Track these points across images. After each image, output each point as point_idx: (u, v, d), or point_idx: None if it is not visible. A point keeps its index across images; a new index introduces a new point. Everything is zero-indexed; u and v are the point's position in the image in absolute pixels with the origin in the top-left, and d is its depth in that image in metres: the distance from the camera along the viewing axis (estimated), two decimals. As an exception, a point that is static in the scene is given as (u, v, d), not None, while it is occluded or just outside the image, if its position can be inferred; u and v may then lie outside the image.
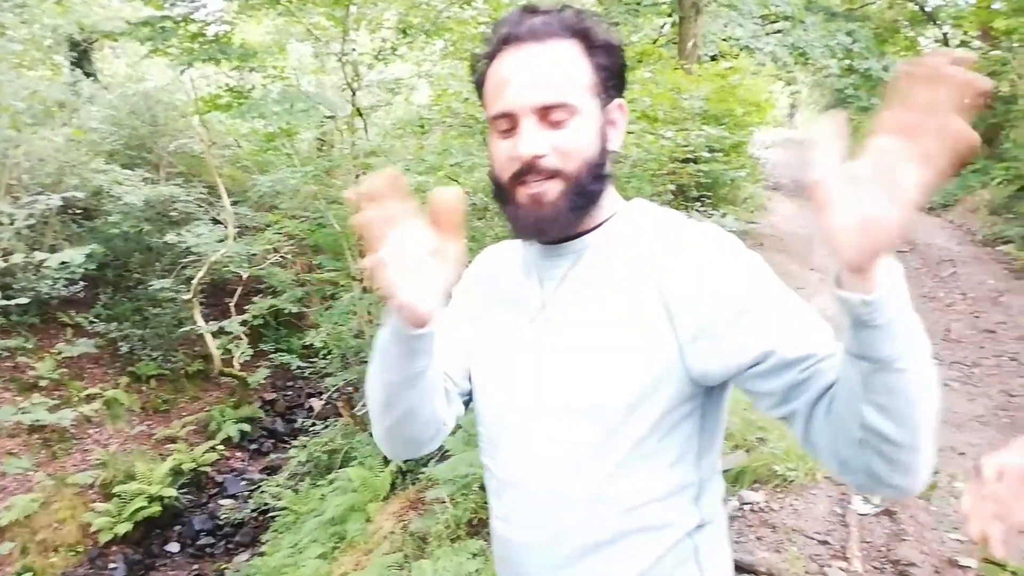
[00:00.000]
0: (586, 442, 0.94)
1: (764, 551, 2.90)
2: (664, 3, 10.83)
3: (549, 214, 0.93)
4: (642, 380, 0.91)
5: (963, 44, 12.69)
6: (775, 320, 0.86)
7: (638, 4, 10.05)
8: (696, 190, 7.77)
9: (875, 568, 2.81)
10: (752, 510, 3.21)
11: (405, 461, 4.51)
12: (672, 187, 7.03)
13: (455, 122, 5.73)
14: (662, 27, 10.64)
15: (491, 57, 0.96)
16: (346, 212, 6.34)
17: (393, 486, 4.77)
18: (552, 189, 0.92)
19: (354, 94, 6.39)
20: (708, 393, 0.94)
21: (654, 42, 8.34)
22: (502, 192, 0.97)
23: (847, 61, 11.84)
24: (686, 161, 6.76)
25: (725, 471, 2.91)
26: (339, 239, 6.40)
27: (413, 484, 4.62)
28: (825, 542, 2.96)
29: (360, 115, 6.65)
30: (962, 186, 11.20)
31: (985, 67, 11.98)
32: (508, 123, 0.93)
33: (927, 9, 13.63)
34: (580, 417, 0.94)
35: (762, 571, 2.73)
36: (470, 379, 1.09)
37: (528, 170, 0.92)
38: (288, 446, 7.29)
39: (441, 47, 8.19)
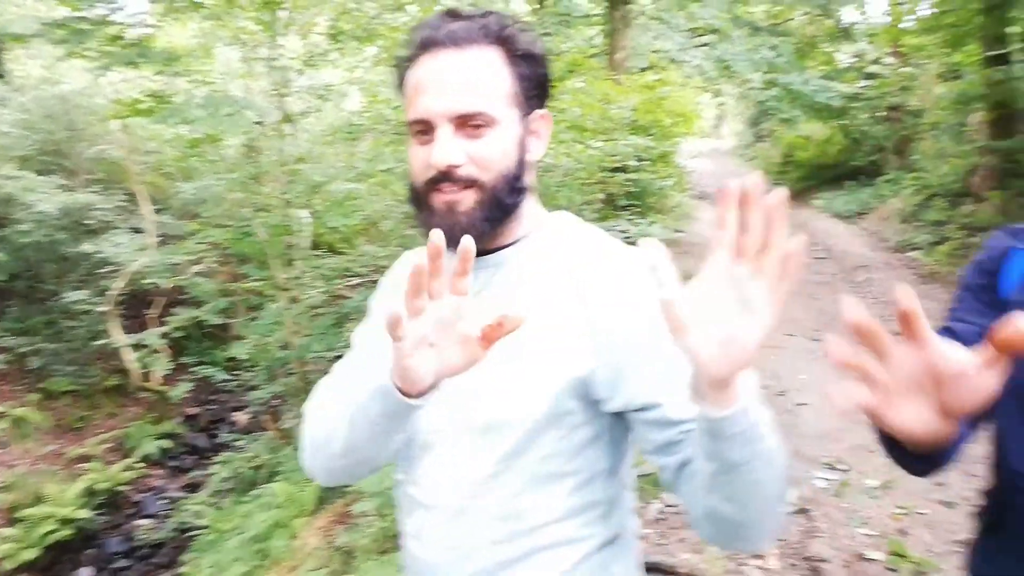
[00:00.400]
0: (495, 460, 0.93)
1: (686, 552, 2.95)
2: (596, 14, 11.03)
3: (462, 223, 0.91)
4: (552, 399, 0.90)
5: (875, 61, 13.31)
6: (669, 374, 0.85)
7: (569, 14, 10.20)
8: (625, 199, 7.90)
9: (791, 565, 2.90)
10: (675, 512, 3.26)
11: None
12: (601, 196, 7.13)
13: (387, 129, 5.68)
14: (593, 38, 10.80)
15: (410, 61, 0.94)
16: (273, 220, 6.19)
17: (320, 500, 4.67)
18: (467, 199, 0.91)
19: (282, 99, 6.26)
20: (619, 415, 0.93)
21: (589, 55, 8.45)
22: (417, 197, 0.96)
23: (770, 75, 12.27)
24: (615, 170, 6.87)
25: (647, 475, 2.95)
26: (265, 248, 6.24)
27: (341, 498, 4.53)
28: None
29: (289, 121, 6.52)
30: (876, 195, 11.74)
31: (896, 82, 12.61)
32: (424, 130, 0.92)
33: (843, 26, 14.25)
34: (490, 435, 0.93)
35: (683, 572, 2.78)
36: None
37: (443, 178, 0.90)
38: (211, 462, 7.04)
39: (373, 53, 8.12)
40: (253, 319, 6.71)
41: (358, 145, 6.98)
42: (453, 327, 0.77)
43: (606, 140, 5.80)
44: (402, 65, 0.96)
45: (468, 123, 0.90)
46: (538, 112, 0.98)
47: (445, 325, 0.77)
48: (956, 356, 0.59)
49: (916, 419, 0.63)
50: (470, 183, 0.91)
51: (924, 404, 0.63)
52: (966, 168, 9.61)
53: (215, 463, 6.64)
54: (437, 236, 0.74)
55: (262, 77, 8.91)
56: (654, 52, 10.80)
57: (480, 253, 0.94)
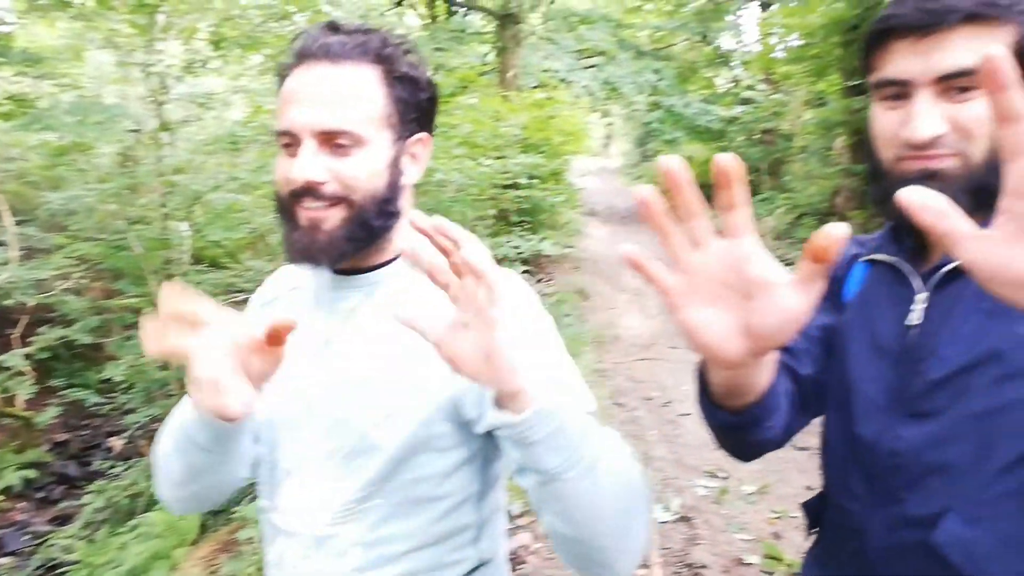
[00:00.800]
0: (361, 486, 0.91)
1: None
2: (487, 32, 11.19)
3: (323, 242, 0.89)
4: (421, 424, 0.89)
5: (750, 87, 14.15)
6: None
7: (463, 31, 10.31)
8: (517, 215, 8.03)
9: (674, 573, 3.01)
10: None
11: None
12: (493, 212, 7.22)
13: (272, 139, 5.54)
14: (486, 55, 10.95)
15: (287, 71, 0.93)
16: (151, 233, 5.89)
17: (203, 528, 4.46)
18: (332, 217, 0.89)
19: (160, 107, 5.98)
20: (489, 435, 0.92)
21: (480, 72, 8.56)
22: (283, 209, 0.94)
23: (654, 97, 12.83)
24: (507, 187, 6.98)
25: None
26: (141, 262, 5.92)
27: (225, 525, 4.34)
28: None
29: (167, 129, 6.23)
30: (751, 214, 12.42)
31: (769, 107, 13.45)
32: (288, 142, 0.90)
33: (721, 52, 15.10)
34: (356, 460, 0.91)
35: (572, 583, 2.84)
36: None
37: (306, 192, 0.88)
38: (83, 492, 6.56)
39: (259, 62, 7.89)
40: (129, 338, 6.35)
41: (241, 156, 6.76)
42: (238, 346, 0.77)
43: (497, 157, 5.89)
44: (280, 74, 0.95)
45: (333, 140, 0.88)
46: (417, 136, 0.96)
47: (233, 347, 0.76)
48: (768, 263, 0.58)
49: (715, 325, 0.61)
50: (336, 201, 0.89)
51: (726, 313, 0.61)
52: (831, 189, 10.36)
53: (87, 493, 6.20)
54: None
55: (138, 83, 8.50)
56: (544, 72, 11.05)
57: (354, 272, 0.96)
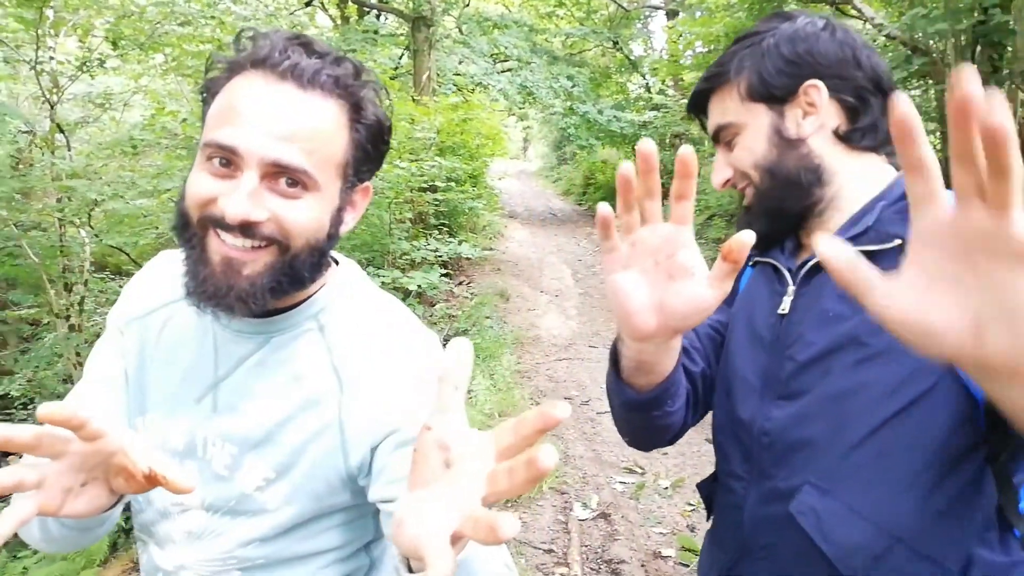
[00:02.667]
0: (245, 541, 0.85)
1: (498, 563, 3.04)
2: (401, 35, 11.11)
3: (242, 289, 0.77)
4: (308, 499, 0.84)
5: (661, 92, 14.58)
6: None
7: (376, 33, 10.20)
8: (435, 218, 8.02)
9: (592, 570, 3.07)
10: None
11: (126, 519, 4.04)
12: (411, 215, 7.18)
13: (173, 143, 5.34)
14: (400, 57, 10.88)
15: (231, 70, 0.79)
16: (46, 240, 5.57)
17: (115, 547, 4.25)
18: (258, 260, 0.77)
19: (52, 108, 5.67)
20: None
21: (392, 75, 8.49)
22: (187, 233, 0.79)
23: (568, 102, 13.05)
24: (424, 190, 6.96)
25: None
26: (38, 271, 5.60)
27: (136, 544, 4.17)
28: (550, 550, 3.18)
29: (61, 131, 5.92)
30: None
31: (679, 112, 13.90)
32: (225, 160, 0.75)
33: (632, 59, 15.50)
34: (241, 518, 0.85)
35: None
36: None
37: (229, 226, 0.75)
38: (-26, 517, 6.15)
39: (160, 62, 7.60)
40: (25, 351, 5.99)
41: (141, 160, 6.48)
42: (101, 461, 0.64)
43: (412, 160, 5.87)
44: (216, 67, 0.80)
45: (282, 176, 0.76)
46: (362, 185, 0.87)
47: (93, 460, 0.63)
48: (695, 254, 0.68)
49: (638, 293, 0.71)
50: (267, 243, 0.77)
51: (649, 287, 0.70)
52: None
53: (-21, 518, 5.81)
54: None
55: (29, 81, 8.03)
56: (458, 75, 11.08)
57: (259, 315, 0.84)
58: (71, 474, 0.63)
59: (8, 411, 6.19)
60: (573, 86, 13.01)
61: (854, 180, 0.94)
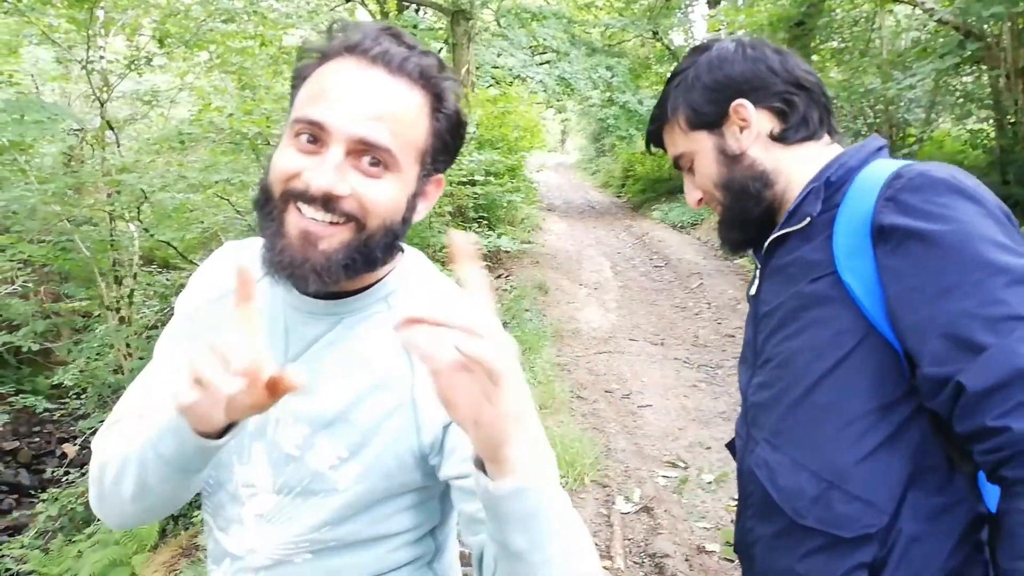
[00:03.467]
0: (315, 525, 0.86)
1: None
2: (440, 28, 11.15)
3: (318, 263, 0.78)
4: (382, 477, 0.85)
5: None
6: None
7: (415, 27, 10.25)
8: (475, 211, 8.04)
9: (635, 563, 3.05)
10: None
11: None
12: (450, 208, 7.21)
13: (221, 138, 5.43)
14: (439, 51, 10.91)
15: (324, 56, 0.82)
16: (97, 234, 5.74)
17: (164, 533, 4.37)
18: (336, 236, 0.79)
19: (102, 105, 5.82)
20: None
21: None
22: (268, 207, 0.81)
23: (608, 93, 12.95)
24: (463, 184, 6.98)
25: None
26: (90, 264, 5.77)
27: (186, 529, 4.27)
28: (593, 544, 3.17)
29: (111, 128, 6.08)
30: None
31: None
32: (313, 136, 0.78)
33: (672, 48, 15.31)
34: (313, 499, 0.86)
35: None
36: None
37: (310, 199, 0.77)
38: (36, 500, 6.38)
39: (205, 59, 7.74)
40: (78, 342, 6.18)
41: (189, 155, 6.62)
42: (228, 363, 0.65)
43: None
44: (309, 54, 0.84)
45: (367, 155, 0.78)
46: (436, 176, 0.89)
47: (220, 361, 0.65)
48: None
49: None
50: (347, 220, 0.79)
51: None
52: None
53: (41, 501, 6.02)
54: (245, 271, 0.67)
55: (80, 80, 8.25)
56: (497, 68, 11.07)
57: (321, 295, 0.86)
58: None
59: (63, 400, 6.40)
60: (612, 77, 12.91)
61: (797, 173, 1.05)
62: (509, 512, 0.65)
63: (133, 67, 6.53)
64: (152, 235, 5.78)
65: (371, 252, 0.82)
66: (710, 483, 3.71)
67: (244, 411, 0.69)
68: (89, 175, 6.18)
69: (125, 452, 0.82)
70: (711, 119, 1.07)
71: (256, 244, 0.89)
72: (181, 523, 4.42)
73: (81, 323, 6.66)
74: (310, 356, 0.87)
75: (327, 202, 0.77)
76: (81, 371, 5.74)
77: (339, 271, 0.80)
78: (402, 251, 0.93)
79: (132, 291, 5.89)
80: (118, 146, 6.31)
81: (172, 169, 5.91)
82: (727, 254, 1.07)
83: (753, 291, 1.13)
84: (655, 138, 1.19)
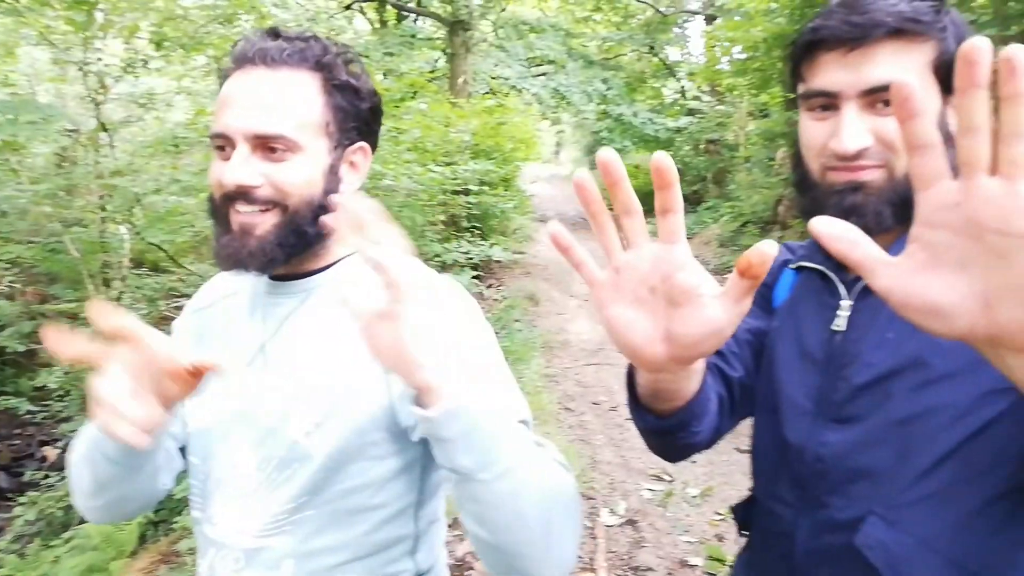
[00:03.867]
0: (293, 496, 0.89)
1: None
2: (438, 38, 11.19)
3: (254, 247, 0.88)
4: (352, 433, 0.88)
5: (696, 98, 14.46)
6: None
7: (413, 36, 10.29)
8: (467, 221, 8.05)
9: (618, 576, 3.03)
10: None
11: (156, 512, 4.10)
12: (443, 217, 7.21)
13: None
14: (436, 61, 10.95)
15: (225, 76, 0.92)
16: (87, 236, 5.71)
17: (143, 539, 4.32)
18: (264, 222, 0.89)
19: (98, 107, 5.81)
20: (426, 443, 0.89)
21: (430, 77, 8.55)
22: (216, 213, 0.92)
23: (602, 106, 13.02)
24: (457, 193, 6.99)
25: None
26: (78, 266, 5.74)
27: (166, 535, 4.23)
28: (577, 556, 3.15)
29: (105, 130, 6.06)
30: (698, 222, 12.72)
31: (714, 118, 13.77)
32: (222, 145, 0.89)
33: (668, 63, 15.41)
34: (287, 470, 0.89)
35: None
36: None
37: (238, 196, 0.88)
38: (13, 504, 6.30)
39: (202, 63, 7.74)
40: (63, 344, 6.13)
41: (183, 158, 6.61)
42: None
43: (447, 163, 5.90)
44: (220, 78, 0.94)
45: (266, 144, 0.87)
46: (357, 144, 0.96)
47: (147, 368, 0.73)
48: (698, 273, 0.58)
49: (639, 326, 0.60)
50: (270, 205, 0.88)
51: (650, 317, 0.60)
52: (774, 198, 10.64)
53: (19, 504, 5.95)
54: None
55: (76, 81, 8.23)
56: (494, 79, 11.11)
57: (290, 277, 0.96)
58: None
59: (46, 402, 6.35)
60: (608, 89, 12.97)
61: None
62: (447, 435, 0.68)
63: (130, 70, 6.52)
64: (143, 237, 5.76)
65: (300, 228, 0.90)
66: (695, 497, 3.71)
67: (176, 398, 0.76)
68: (82, 177, 6.16)
69: (80, 451, 0.90)
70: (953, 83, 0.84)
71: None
72: (161, 529, 4.38)
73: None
74: (283, 332, 0.95)
75: (245, 195, 0.87)
76: (66, 373, 5.70)
77: (275, 250, 0.89)
78: None
79: (121, 294, 5.85)
80: (112, 148, 6.29)
81: (166, 172, 5.89)
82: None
83: (841, 326, 0.91)
84: (857, 36, 0.84)
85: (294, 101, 0.88)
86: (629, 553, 3.20)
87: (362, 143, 0.97)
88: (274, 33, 0.91)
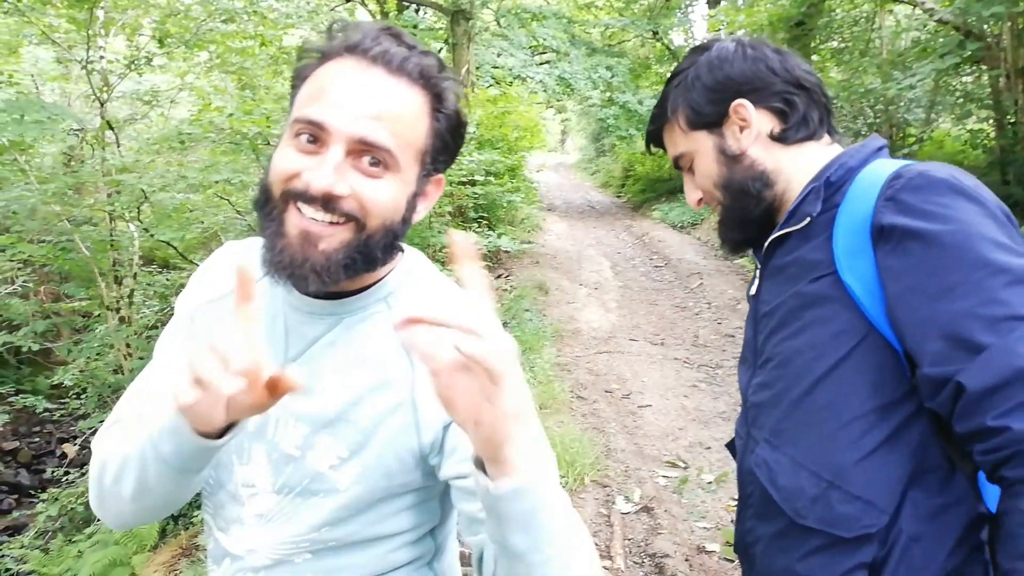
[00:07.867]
0: (315, 525, 0.86)
1: None
2: (440, 29, 11.15)
3: (317, 263, 0.78)
4: (382, 477, 0.85)
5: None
6: None
7: (415, 26, 10.25)
8: (475, 211, 8.04)
9: (635, 563, 3.04)
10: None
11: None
12: (451, 208, 7.21)
13: (221, 138, 5.43)
14: (439, 51, 10.91)
15: (324, 56, 0.81)
16: (97, 234, 5.73)
17: (164, 533, 4.37)
18: (335, 236, 0.79)
19: (102, 105, 5.82)
20: None
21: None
22: (268, 207, 0.81)
23: (608, 93, 12.95)
24: (463, 184, 6.98)
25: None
26: (90, 264, 5.77)
27: (186, 529, 4.27)
28: (593, 543, 3.16)
29: (111, 128, 6.07)
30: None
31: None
32: (312, 136, 0.78)
33: (672, 48, 15.30)
34: (312, 499, 0.86)
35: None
36: None
37: (310, 199, 0.77)
38: (36, 500, 6.37)
39: (205, 59, 7.75)
40: (78, 342, 6.18)
41: (189, 155, 6.62)
42: (228, 364, 0.65)
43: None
44: (309, 54, 0.83)
45: (367, 154, 0.78)
46: (436, 176, 0.89)
47: (220, 361, 0.65)
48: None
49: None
50: (346, 220, 0.78)
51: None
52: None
53: (40, 501, 6.02)
54: (244, 270, 0.66)
55: (80, 80, 8.25)
56: (497, 68, 11.07)
57: (321, 295, 0.86)
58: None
59: (63, 399, 6.40)
60: (612, 76, 12.91)
61: (797, 173, 1.05)
62: (508, 512, 0.64)
63: (133, 67, 6.52)
64: (152, 235, 5.78)
65: (371, 252, 0.81)
66: (710, 483, 3.70)
67: (244, 411, 0.69)
68: (89, 175, 6.18)
69: (125, 452, 0.82)
70: (711, 119, 1.08)
71: (257, 244, 0.88)
72: (181, 523, 4.42)
73: (81, 323, 6.66)
74: (310, 356, 0.87)
75: (327, 202, 0.77)
76: (81, 371, 5.74)
77: (339, 271, 0.79)
78: (402, 251, 0.93)
79: (132, 291, 5.88)
80: (118, 146, 6.31)
81: (172, 169, 5.90)
82: (727, 254, 1.12)
83: (753, 291, 1.14)
84: (655, 138, 1.19)
85: (407, 117, 0.80)
86: (646, 540, 3.20)
87: (440, 176, 0.90)
88: (396, 35, 0.82)
